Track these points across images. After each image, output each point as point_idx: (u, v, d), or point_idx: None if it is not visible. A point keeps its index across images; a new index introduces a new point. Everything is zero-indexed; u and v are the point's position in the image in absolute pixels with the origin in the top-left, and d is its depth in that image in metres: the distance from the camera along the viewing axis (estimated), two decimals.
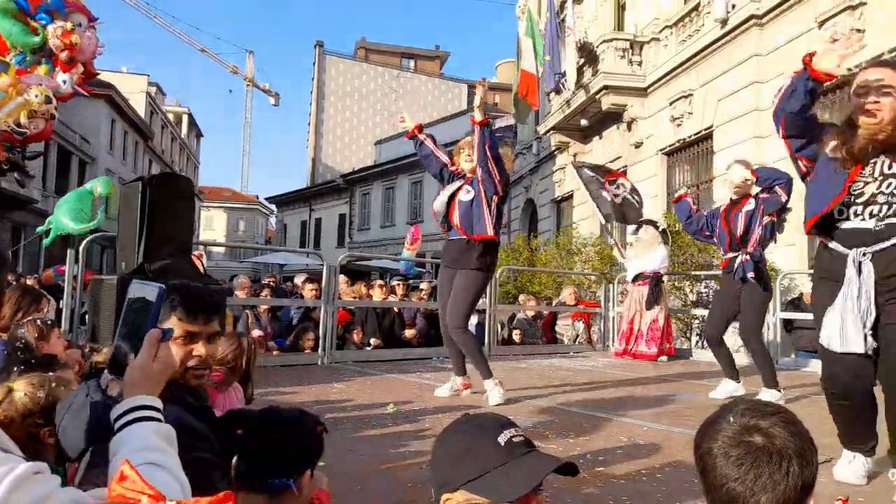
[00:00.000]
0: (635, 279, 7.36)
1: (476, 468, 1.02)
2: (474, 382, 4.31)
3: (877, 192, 2.34)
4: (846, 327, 2.35)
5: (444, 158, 4.38)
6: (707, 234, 4.67)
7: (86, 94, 5.61)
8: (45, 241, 6.76)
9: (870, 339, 2.33)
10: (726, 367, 4.57)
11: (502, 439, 1.06)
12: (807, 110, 2.49)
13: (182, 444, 1.14)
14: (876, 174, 2.35)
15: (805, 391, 4.78)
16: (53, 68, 5.05)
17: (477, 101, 4.03)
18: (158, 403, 1.12)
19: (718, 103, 10.52)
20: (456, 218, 4.12)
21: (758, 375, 4.51)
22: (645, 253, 7.32)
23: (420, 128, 4.47)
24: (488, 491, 1.01)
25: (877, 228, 2.34)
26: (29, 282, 7.02)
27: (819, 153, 2.54)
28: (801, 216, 7.98)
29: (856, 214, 2.39)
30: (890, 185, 2.33)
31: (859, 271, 2.34)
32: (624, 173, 8.96)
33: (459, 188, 4.17)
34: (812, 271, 2.78)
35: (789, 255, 8.70)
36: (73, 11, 5.20)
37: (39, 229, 6.90)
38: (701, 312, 8.25)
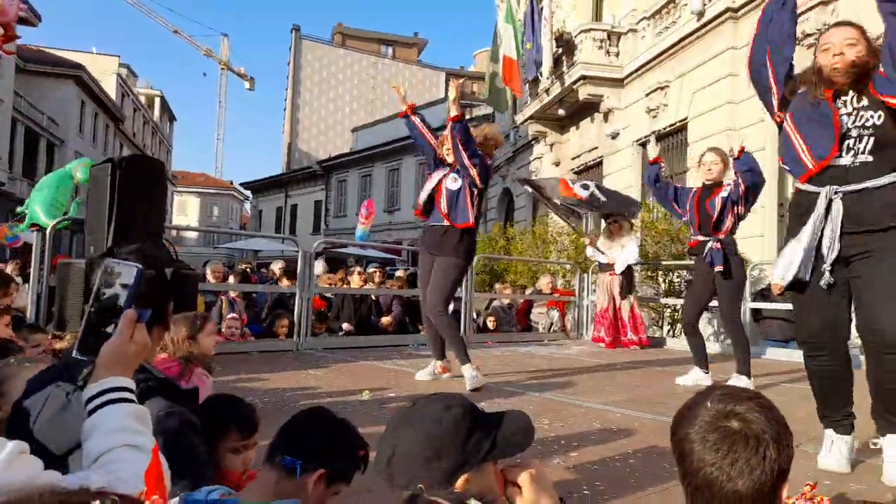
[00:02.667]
0: (605, 268, 7.45)
1: (460, 457, 1.02)
2: (455, 367, 4.33)
3: (850, 126, 2.40)
4: (801, 259, 2.41)
5: (434, 142, 4.38)
6: (676, 207, 4.74)
7: (6, 53, 5.43)
8: (21, 227, 6.58)
9: (827, 275, 2.39)
10: (697, 355, 4.66)
11: (462, 423, 1.06)
12: (790, 31, 2.55)
13: (181, 441, 1.12)
14: (849, 108, 2.42)
15: (774, 379, 4.89)
16: None
17: (451, 96, 4.09)
18: (132, 385, 1.10)
19: (693, 95, 10.63)
20: (443, 204, 4.16)
21: (725, 363, 4.59)
22: (625, 244, 7.37)
23: (413, 108, 4.42)
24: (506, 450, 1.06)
25: (851, 165, 2.39)
26: (9, 269, 6.83)
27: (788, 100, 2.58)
28: (767, 209, 8.06)
29: (839, 147, 2.42)
30: (861, 117, 2.39)
31: (828, 209, 2.39)
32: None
33: (446, 175, 4.21)
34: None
35: (758, 246, 8.86)
36: None
37: (19, 209, 6.71)
38: (673, 302, 8.38)
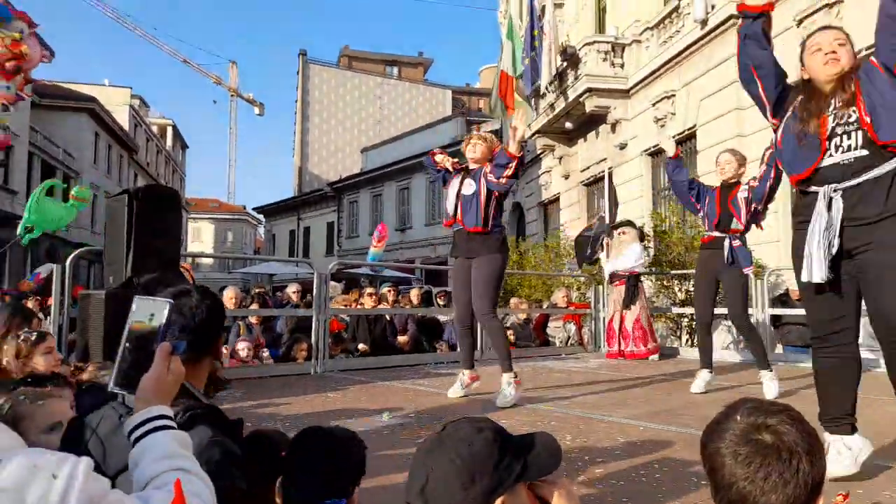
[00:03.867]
0: (612, 279, 7.48)
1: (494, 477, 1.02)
2: (485, 381, 4.40)
3: (834, 124, 2.45)
4: (812, 258, 2.44)
5: (448, 167, 4.56)
6: (694, 201, 4.76)
7: (25, 97, 5.63)
8: (24, 241, 6.70)
9: (826, 269, 2.41)
10: (704, 355, 4.69)
11: (494, 445, 1.06)
12: (769, 54, 2.62)
13: (222, 472, 1.14)
14: (836, 111, 2.46)
15: (794, 385, 4.82)
16: None
17: (519, 137, 4.15)
18: (171, 412, 1.15)
19: (700, 103, 10.62)
20: (461, 211, 4.26)
21: (742, 371, 4.56)
22: (620, 252, 7.41)
23: (453, 165, 4.62)
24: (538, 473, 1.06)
25: (844, 162, 2.43)
26: (30, 304, 6.93)
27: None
28: (781, 213, 8.03)
29: (823, 158, 2.47)
30: (844, 115, 2.43)
31: (829, 207, 2.42)
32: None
33: (462, 182, 4.31)
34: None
35: (775, 251, 8.78)
36: (15, 18, 5.18)
37: (23, 236, 6.85)
38: (690, 311, 8.30)
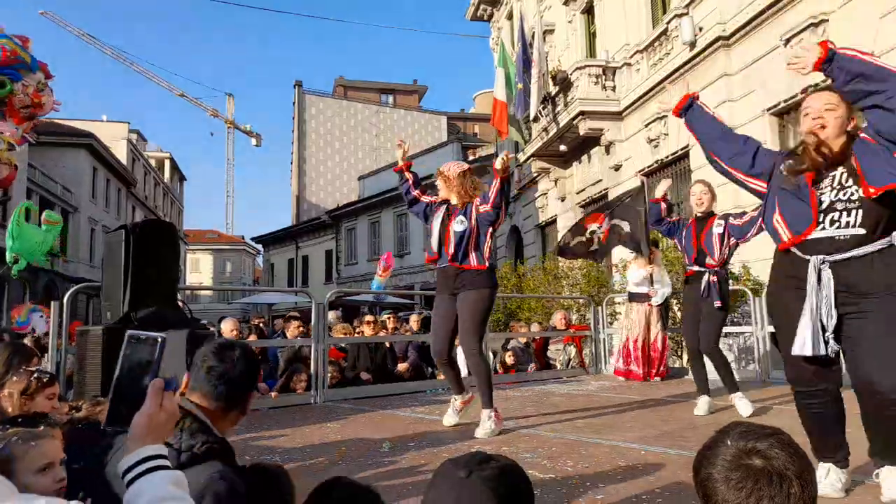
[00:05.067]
0: (638, 298, 7.22)
1: None
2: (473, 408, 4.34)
3: (835, 199, 2.43)
4: (807, 333, 2.42)
5: (425, 199, 4.45)
6: (672, 236, 4.84)
7: (32, 140, 5.81)
8: (13, 272, 6.73)
9: (832, 342, 2.40)
10: (700, 381, 4.70)
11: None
12: (719, 129, 2.84)
13: None
14: (834, 184, 2.45)
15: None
16: (5, 118, 5.18)
17: (499, 165, 4.12)
18: (165, 451, 1.13)
19: None
20: (451, 248, 4.14)
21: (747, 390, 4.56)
22: (663, 275, 7.23)
23: (409, 165, 4.51)
24: None
25: (839, 238, 2.41)
26: (26, 341, 6.92)
27: (774, 171, 2.65)
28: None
29: (817, 223, 2.46)
30: (846, 192, 2.42)
31: (819, 278, 2.41)
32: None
33: (451, 218, 4.21)
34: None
35: (768, 270, 8.78)
36: (38, 69, 5.39)
37: (14, 266, 6.90)
38: None
